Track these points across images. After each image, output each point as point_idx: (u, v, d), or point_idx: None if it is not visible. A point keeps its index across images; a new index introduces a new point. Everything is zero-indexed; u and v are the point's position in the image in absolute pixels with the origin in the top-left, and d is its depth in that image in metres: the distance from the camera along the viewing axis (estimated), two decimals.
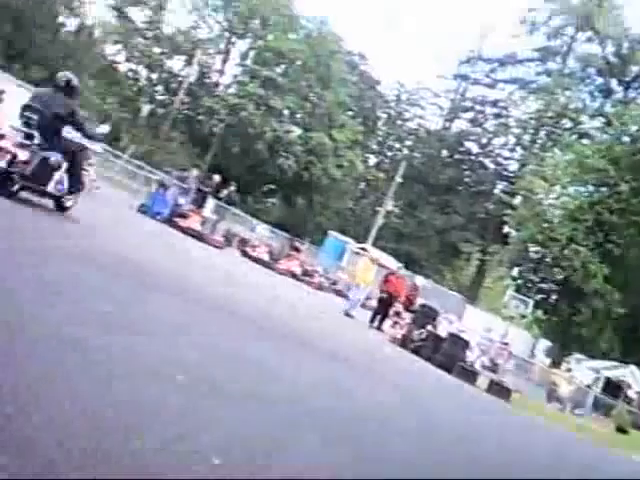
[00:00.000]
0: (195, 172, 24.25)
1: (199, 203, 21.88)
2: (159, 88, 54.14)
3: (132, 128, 46.01)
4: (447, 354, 15.35)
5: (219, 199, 24.05)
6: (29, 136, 8.87)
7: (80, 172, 9.77)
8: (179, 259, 12.36)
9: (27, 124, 8.93)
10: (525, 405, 16.39)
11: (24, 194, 9.03)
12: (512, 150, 59.95)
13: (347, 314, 17.63)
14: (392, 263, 25.31)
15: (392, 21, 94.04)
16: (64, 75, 9.33)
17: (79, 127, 9.45)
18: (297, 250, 25.04)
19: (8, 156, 8.47)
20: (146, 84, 53.55)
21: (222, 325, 7.23)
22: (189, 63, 51.87)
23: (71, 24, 46.33)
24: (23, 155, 8.61)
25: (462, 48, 72.79)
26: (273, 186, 52.33)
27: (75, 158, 9.53)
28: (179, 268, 10.52)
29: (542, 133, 57.37)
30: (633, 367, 36.36)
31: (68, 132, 9.35)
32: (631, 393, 34.27)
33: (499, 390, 15.29)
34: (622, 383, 35.48)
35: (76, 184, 9.66)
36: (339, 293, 25.76)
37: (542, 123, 56.40)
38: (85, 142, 9.78)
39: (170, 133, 49.88)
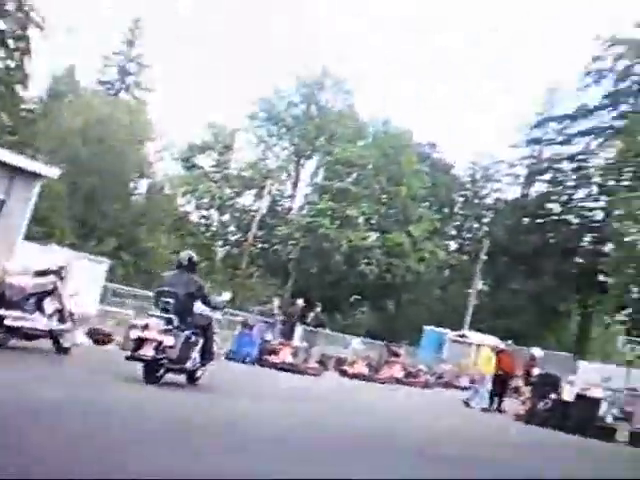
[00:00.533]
0: (277, 302, 24.29)
1: (287, 334, 21.77)
2: (232, 228, 55.82)
3: (210, 274, 46.64)
4: (578, 417, 15.05)
5: (307, 324, 23.64)
6: (169, 320, 9.49)
7: (212, 343, 10.41)
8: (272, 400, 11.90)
9: (165, 309, 9.60)
10: None
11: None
12: (596, 200, 58.46)
13: (467, 404, 17.59)
14: (496, 341, 25.03)
15: (452, 97, 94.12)
16: (186, 254, 10.15)
17: (206, 300, 10.09)
18: (396, 355, 24.61)
19: (154, 344, 9.12)
20: (219, 227, 55.43)
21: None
22: (260, 196, 53.24)
23: (142, 185, 49.12)
24: (168, 340, 9.22)
25: (528, 111, 71.62)
26: (358, 296, 52.50)
27: (207, 331, 10.17)
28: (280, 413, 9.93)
29: (627, 175, 56.16)
30: None
31: (197, 307, 10.03)
32: None
33: None
34: None
35: (208, 355, 10.25)
36: (447, 385, 25.47)
37: (626, 164, 55.28)
38: (212, 314, 10.44)
39: (247, 270, 50.96)
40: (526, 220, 60.10)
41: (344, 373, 21.68)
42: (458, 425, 13.46)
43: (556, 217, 59.47)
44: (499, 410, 17.57)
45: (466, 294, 51.19)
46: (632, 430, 15.61)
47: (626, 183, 54.44)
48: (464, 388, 23.62)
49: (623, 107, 57.97)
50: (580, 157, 59.27)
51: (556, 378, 17.21)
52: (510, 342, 18.49)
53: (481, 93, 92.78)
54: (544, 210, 60.16)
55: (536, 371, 17.42)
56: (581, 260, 57.13)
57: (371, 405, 14.88)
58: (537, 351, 18.74)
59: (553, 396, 16.18)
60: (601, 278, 53.17)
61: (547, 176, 60.82)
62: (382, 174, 51.44)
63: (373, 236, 50.48)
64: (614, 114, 59.02)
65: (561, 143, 60.35)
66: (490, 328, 44.36)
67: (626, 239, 41.15)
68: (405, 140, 53.96)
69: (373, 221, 51.94)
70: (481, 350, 21.67)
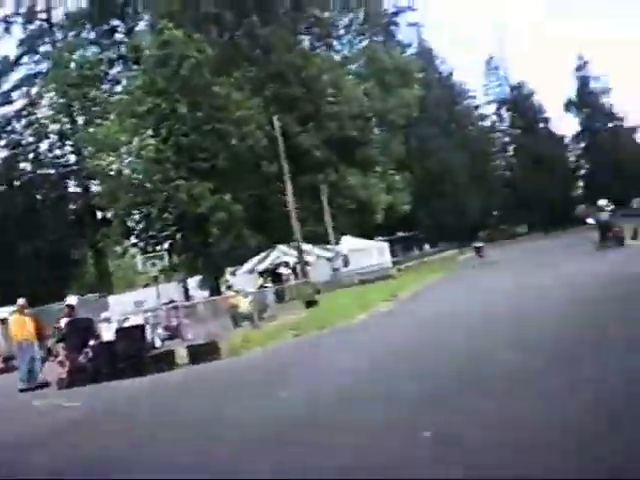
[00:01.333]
0: None
1: None
2: None
3: None
4: (126, 354, 12.96)
5: None
6: None
7: None
8: None
9: None
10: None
11: None
12: (63, 146, 56.86)
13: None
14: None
15: None
16: None
17: None
18: None
19: None
20: None
21: None
22: None
23: None
24: None
25: None
26: None
27: None
28: None
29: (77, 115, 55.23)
30: (279, 246, 38.67)
31: None
32: (286, 272, 36.74)
33: (204, 353, 13.42)
34: (280, 266, 37.53)
35: None
36: None
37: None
38: None
39: None
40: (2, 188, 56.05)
41: None
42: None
43: (32, 174, 56.65)
44: (41, 385, 14.09)
45: None
46: (188, 346, 14.33)
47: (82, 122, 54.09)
48: None
49: (42, 48, 57.56)
50: (25, 112, 57.24)
51: (88, 321, 14.63)
52: (23, 301, 14.79)
53: None
54: (17, 172, 56.58)
55: (64, 321, 14.42)
56: (74, 206, 57.07)
57: None
58: (72, 299, 15.57)
59: (92, 342, 13.69)
60: (100, 214, 52.99)
61: (3, 141, 57.68)
62: None
63: None
64: (35, 58, 57.87)
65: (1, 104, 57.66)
66: None
67: (108, 171, 41.87)
68: None
69: None
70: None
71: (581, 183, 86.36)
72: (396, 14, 64.01)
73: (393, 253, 49.42)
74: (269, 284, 31.06)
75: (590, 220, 28.33)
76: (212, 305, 27.07)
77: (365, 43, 55.14)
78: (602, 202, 26.24)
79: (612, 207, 26.01)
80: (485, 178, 77.75)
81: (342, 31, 56.35)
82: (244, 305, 21.48)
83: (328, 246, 41.18)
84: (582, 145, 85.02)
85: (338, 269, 40.22)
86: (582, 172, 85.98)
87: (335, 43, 54.90)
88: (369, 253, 43.74)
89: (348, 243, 43.17)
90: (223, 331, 17.35)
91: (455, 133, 75.15)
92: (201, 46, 40.88)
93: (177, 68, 39.72)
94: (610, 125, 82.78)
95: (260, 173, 42.69)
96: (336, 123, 46.36)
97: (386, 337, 12.67)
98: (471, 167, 74.68)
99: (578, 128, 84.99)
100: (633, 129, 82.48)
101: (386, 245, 48.06)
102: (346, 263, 41.04)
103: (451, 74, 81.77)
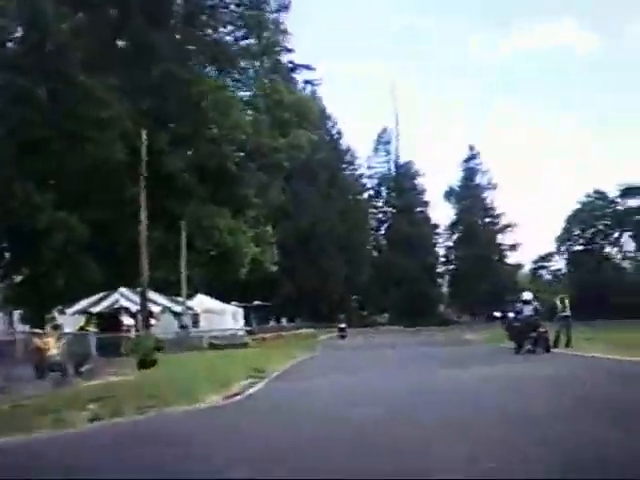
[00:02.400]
0: None
1: None
2: None
3: None
4: None
5: None
6: None
7: None
8: None
9: None
10: None
11: None
12: None
13: None
14: None
15: None
16: None
17: None
18: None
19: None
20: None
21: None
22: None
23: None
24: None
25: None
26: None
27: None
28: None
29: None
30: (121, 289, 32.74)
31: None
32: (127, 321, 30.83)
33: None
34: (120, 312, 31.33)
35: None
36: None
37: None
38: None
39: None
40: None
41: None
42: None
43: None
44: None
45: None
46: None
47: None
48: None
49: None
50: None
51: None
52: None
53: None
54: None
55: None
56: None
57: None
58: None
59: None
60: None
61: None
62: None
63: None
64: None
65: None
66: None
67: None
68: None
69: None
70: None
71: (446, 277, 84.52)
72: (292, 70, 58.84)
73: (247, 321, 46.15)
74: (92, 328, 25.84)
75: (509, 314, 23.21)
76: (10, 345, 21.50)
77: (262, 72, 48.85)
78: (526, 295, 21.61)
79: (536, 303, 20.87)
80: (354, 252, 73.11)
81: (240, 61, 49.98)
82: (54, 350, 16.91)
83: (179, 298, 35.50)
84: (455, 237, 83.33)
85: (186, 327, 34.74)
86: (449, 266, 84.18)
87: (229, 69, 48.08)
88: (223, 316, 39.97)
89: (202, 301, 39.33)
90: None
91: (334, 198, 70.15)
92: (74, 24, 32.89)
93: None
94: (487, 220, 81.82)
95: (116, 192, 34.54)
96: (212, 149, 39.31)
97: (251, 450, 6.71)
98: (343, 238, 69.81)
99: (454, 218, 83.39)
100: (507, 226, 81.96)
101: (241, 311, 43.80)
102: (196, 322, 37.39)
103: (340, 137, 77.73)
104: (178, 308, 35.20)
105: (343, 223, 69.90)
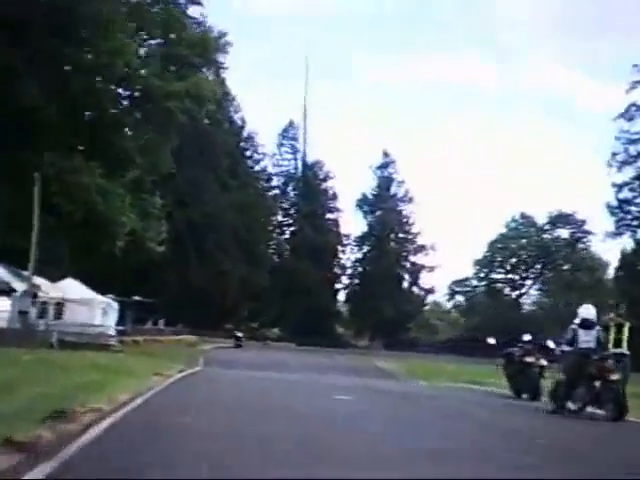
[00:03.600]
0: None
1: None
2: None
3: None
4: None
5: None
6: None
7: None
8: None
9: None
10: None
11: None
12: None
13: None
14: None
15: None
16: None
17: None
18: None
19: None
20: None
21: None
22: None
23: None
24: None
25: None
26: None
27: None
28: None
29: None
30: None
31: None
32: None
33: None
34: None
35: None
36: None
37: None
38: None
39: None
40: None
41: None
42: None
43: None
44: None
45: None
46: None
47: None
48: None
49: None
50: None
51: None
52: None
53: None
54: None
55: None
56: None
57: None
58: None
59: None
60: None
61: None
62: None
63: None
64: None
65: None
66: None
67: None
68: None
69: None
70: None
71: (348, 294, 76.84)
72: None
73: (123, 319, 40.37)
74: None
75: (551, 344, 15.11)
76: None
77: None
78: (587, 311, 12.11)
79: (598, 327, 12.37)
80: (254, 255, 64.20)
81: None
82: None
83: (25, 272, 28.20)
84: (364, 250, 75.70)
85: (26, 314, 27.51)
86: (354, 281, 76.36)
87: None
88: (92, 309, 34.53)
89: (68, 287, 33.59)
90: None
91: (234, 190, 60.83)
92: None
93: None
94: (401, 236, 74.62)
95: None
96: (86, 82, 29.47)
97: None
98: (242, 235, 60.78)
99: (364, 230, 76.04)
100: (423, 247, 74.96)
101: (116, 306, 38.21)
102: (60, 313, 32.81)
103: (243, 125, 68.14)
104: (20, 285, 28.18)
105: (243, 218, 60.74)
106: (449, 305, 75.68)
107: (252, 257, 63.03)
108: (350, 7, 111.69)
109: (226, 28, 35.79)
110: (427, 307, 74.60)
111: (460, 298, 72.09)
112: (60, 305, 33.44)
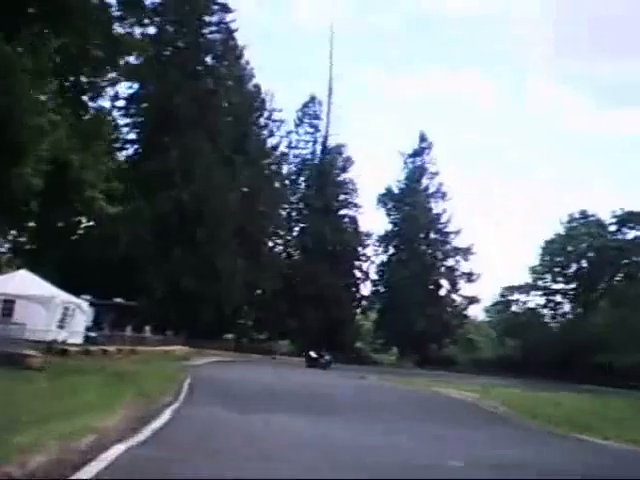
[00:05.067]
0: None
1: None
2: None
3: None
4: None
5: None
6: None
7: None
8: None
9: None
10: None
11: None
12: None
13: None
14: None
15: None
16: None
17: None
18: None
19: None
20: None
21: None
22: None
23: None
24: None
25: None
26: None
27: None
28: None
29: None
30: None
31: None
32: None
33: None
34: None
35: None
36: None
37: None
38: None
39: None
40: None
41: None
42: None
43: None
44: None
45: None
46: None
47: None
48: None
49: None
50: None
51: None
52: None
53: None
54: None
55: None
56: None
57: None
58: None
59: None
60: None
61: None
62: None
63: None
64: None
65: None
66: None
67: None
68: None
69: None
70: None
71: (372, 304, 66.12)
72: None
73: (99, 324, 35.28)
74: None
75: None
76: None
77: None
78: None
79: None
80: (259, 252, 53.96)
81: None
82: None
83: None
84: (389, 252, 65.14)
85: None
86: (378, 288, 65.72)
87: None
88: (50, 310, 29.35)
89: (20, 282, 29.69)
90: None
91: (238, 167, 50.07)
92: None
93: None
94: (434, 237, 64.14)
95: None
96: None
97: None
98: (245, 227, 50.42)
99: (388, 228, 65.47)
100: (459, 249, 64.18)
101: (87, 307, 33.48)
102: (10, 312, 28.06)
103: (258, 93, 57.37)
104: None
105: (248, 205, 50.34)
106: (490, 318, 65.64)
107: (256, 254, 52.73)
108: None
109: None
110: (468, 320, 64.11)
111: (509, 309, 61.75)
112: (11, 303, 28.43)
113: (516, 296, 60.86)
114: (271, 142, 59.50)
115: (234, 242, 47.62)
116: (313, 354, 41.01)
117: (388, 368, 53.82)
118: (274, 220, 57.48)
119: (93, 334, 32.94)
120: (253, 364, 39.78)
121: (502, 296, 61.42)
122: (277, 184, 59.21)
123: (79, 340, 30.84)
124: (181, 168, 44.19)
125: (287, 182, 63.34)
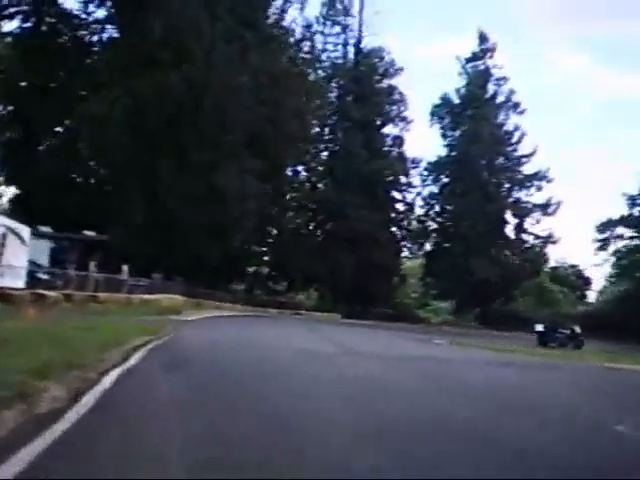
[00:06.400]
0: None
1: None
2: None
3: None
4: None
5: None
6: None
7: None
8: None
9: None
10: None
11: None
12: None
13: None
14: None
15: None
16: None
17: None
18: None
19: None
20: None
21: None
22: None
23: None
24: None
25: None
26: None
27: None
28: None
29: None
30: None
31: None
32: None
33: None
34: None
35: None
36: None
37: None
38: None
39: None
40: None
41: None
42: None
43: None
44: None
45: None
46: None
47: None
48: None
49: None
50: None
51: None
52: None
53: None
54: None
55: None
56: None
57: None
58: None
59: None
60: None
61: None
62: None
63: None
64: None
65: None
66: None
67: None
68: None
69: None
70: None
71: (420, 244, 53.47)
72: None
73: (60, 262, 25.65)
74: None
75: None
76: None
77: None
78: None
79: None
80: (277, 169, 41.12)
81: None
82: None
83: None
84: (443, 181, 52.27)
85: None
86: (428, 225, 53.19)
87: None
88: None
89: None
90: None
91: (249, 47, 36.10)
92: None
93: None
94: (500, 161, 51.10)
95: None
96: None
97: None
98: (258, 131, 37.03)
99: (445, 152, 52.61)
100: (535, 175, 50.94)
101: (27, 235, 22.24)
102: None
103: None
104: None
105: (263, 103, 36.72)
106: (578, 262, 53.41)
107: (276, 175, 40.17)
108: None
109: None
110: (546, 265, 51.90)
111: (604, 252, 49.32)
112: None
113: (620, 230, 48.26)
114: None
115: (244, 154, 34.75)
116: (539, 327, 26.62)
117: (442, 327, 42.63)
118: (298, 132, 43.51)
119: (42, 275, 24.01)
120: (274, 322, 28.37)
121: (600, 231, 48.71)
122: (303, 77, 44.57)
123: (19, 283, 20.02)
124: (167, 42, 31.26)
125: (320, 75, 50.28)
